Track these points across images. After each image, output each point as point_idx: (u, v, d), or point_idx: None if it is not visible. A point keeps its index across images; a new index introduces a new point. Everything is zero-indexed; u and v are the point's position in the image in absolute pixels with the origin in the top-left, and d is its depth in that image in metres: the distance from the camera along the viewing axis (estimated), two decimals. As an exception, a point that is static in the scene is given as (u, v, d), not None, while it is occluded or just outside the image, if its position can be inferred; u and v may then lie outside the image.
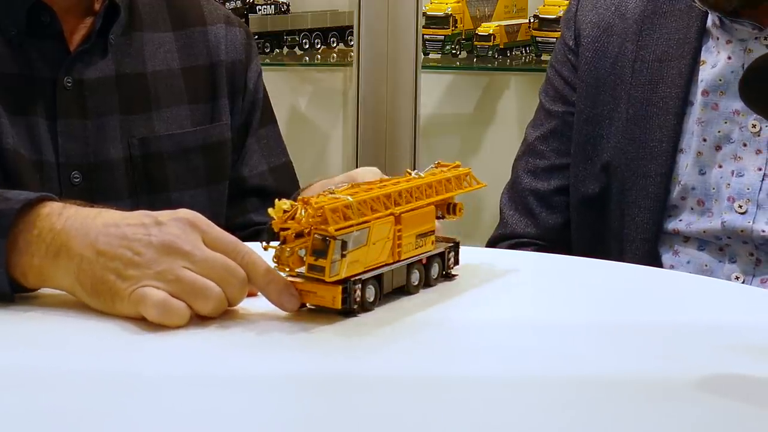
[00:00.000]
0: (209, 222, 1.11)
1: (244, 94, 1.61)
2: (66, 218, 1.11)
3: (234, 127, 1.60)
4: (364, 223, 1.09)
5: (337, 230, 1.06)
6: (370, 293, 1.10)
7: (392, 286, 1.14)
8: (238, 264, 1.09)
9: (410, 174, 1.20)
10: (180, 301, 1.06)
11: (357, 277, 1.09)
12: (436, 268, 1.20)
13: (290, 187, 1.61)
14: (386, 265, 1.13)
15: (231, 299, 1.09)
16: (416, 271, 1.17)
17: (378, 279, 1.12)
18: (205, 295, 1.07)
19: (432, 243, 1.19)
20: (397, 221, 1.13)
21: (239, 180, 1.61)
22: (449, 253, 1.22)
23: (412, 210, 1.15)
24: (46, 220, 1.11)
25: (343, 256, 1.06)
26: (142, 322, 1.06)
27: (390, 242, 1.13)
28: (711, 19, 1.55)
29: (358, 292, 1.09)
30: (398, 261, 1.15)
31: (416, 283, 1.17)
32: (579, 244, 1.62)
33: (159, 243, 1.07)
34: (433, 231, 1.19)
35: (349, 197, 1.08)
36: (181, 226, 1.09)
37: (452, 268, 1.22)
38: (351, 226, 1.07)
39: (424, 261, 1.18)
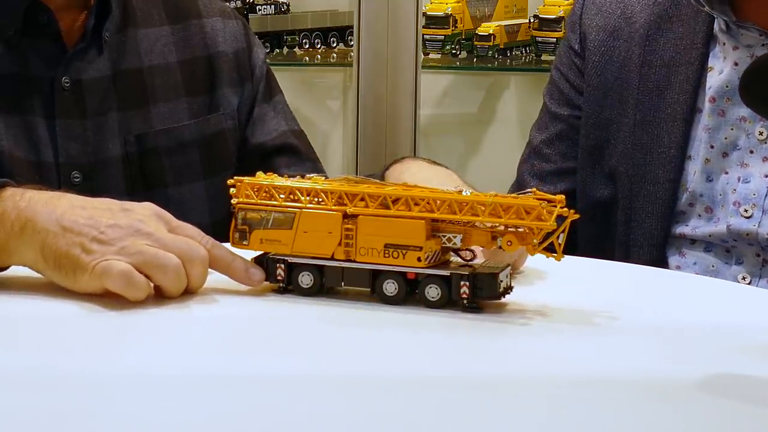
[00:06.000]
0: (173, 217, 1.16)
1: (252, 78, 1.62)
2: (29, 197, 1.16)
3: (244, 111, 1.60)
4: (286, 208, 1.14)
5: (244, 204, 1.15)
6: (307, 279, 1.15)
7: (342, 284, 1.15)
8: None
9: (455, 189, 1.15)
10: (141, 275, 1.10)
11: (280, 257, 1.15)
12: (437, 291, 1.13)
13: (312, 153, 1.63)
14: (333, 260, 1.14)
15: (191, 276, 1.13)
16: (393, 281, 1.14)
17: (320, 270, 1.15)
18: (164, 266, 1.11)
19: (421, 260, 1.12)
20: (350, 221, 1.13)
21: (257, 147, 1.61)
22: (460, 280, 1.12)
23: (380, 216, 1.13)
24: (9, 200, 1.16)
25: (248, 228, 1.15)
26: (107, 300, 1.10)
27: (333, 237, 1.14)
28: (717, 25, 1.54)
29: (281, 272, 1.15)
30: (351, 261, 1.14)
31: (392, 293, 1.13)
32: (584, 250, 1.61)
33: (125, 225, 1.12)
34: (421, 248, 1.12)
35: (289, 182, 1.15)
36: (147, 213, 1.15)
37: (467, 297, 1.12)
38: (269, 205, 1.15)
39: (411, 276, 1.13)
